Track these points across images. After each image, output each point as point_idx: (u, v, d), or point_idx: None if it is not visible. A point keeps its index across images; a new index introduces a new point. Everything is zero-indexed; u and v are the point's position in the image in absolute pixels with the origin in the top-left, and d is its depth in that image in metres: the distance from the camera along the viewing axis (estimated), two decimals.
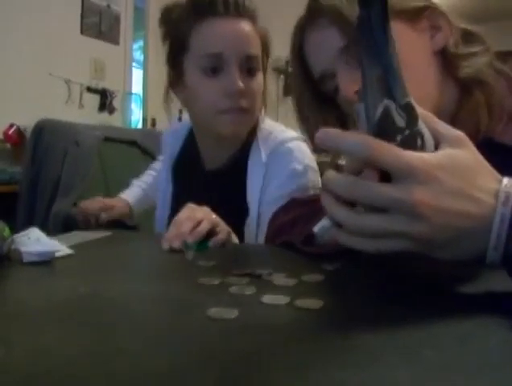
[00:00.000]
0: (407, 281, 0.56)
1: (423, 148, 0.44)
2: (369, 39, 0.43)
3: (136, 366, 0.31)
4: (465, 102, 0.68)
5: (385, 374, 0.30)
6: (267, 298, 0.46)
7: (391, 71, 0.43)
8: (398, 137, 0.43)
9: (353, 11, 0.64)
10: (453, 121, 0.68)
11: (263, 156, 1.05)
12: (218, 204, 1.03)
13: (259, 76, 1.00)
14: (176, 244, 0.73)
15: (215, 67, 0.96)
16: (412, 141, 0.44)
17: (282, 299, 0.46)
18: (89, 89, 3.51)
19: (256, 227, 1.02)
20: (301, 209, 0.81)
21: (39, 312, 0.43)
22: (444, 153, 0.44)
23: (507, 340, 0.35)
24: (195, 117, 1.08)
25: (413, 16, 0.68)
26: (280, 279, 0.54)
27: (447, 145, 0.45)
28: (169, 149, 1.20)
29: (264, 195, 1.04)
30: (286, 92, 3.89)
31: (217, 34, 0.96)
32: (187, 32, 0.98)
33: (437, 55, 0.69)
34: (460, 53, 0.68)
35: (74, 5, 3.45)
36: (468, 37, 0.70)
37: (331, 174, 0.45)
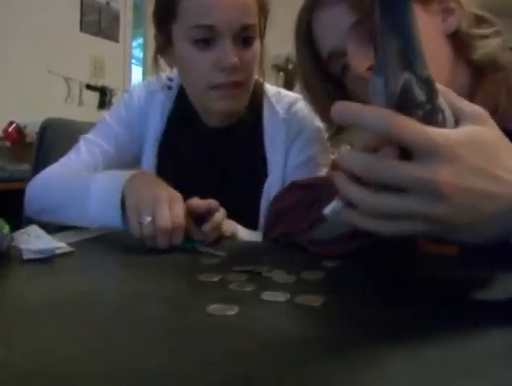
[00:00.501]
0: (407, 279, 0.56)
1: (444, 124, 0.42)
2: (390, 7, 0.40)
3: (136, 364, 0.31)
4: (480, 86, 0.67)
5: (384, 372, 0.30)
6: (267, 295, 0.46)
7: (411, 42, 0.40)
8: (420, 112, 0.40)
9: None
10: None
11: (280, 111, 1.01)
12: (226, 165, 0.96)
13: (256, 45, 0.92)
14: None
15: (207, 39, 0.87)
16: (434, 116, 0.41)
17: (281, 296, 0.46)
18: (89, 87, 3.50)
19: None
20: (300, 193, 0.80)
21: (39, 309, 0.43)
22: (467, 129, 0.42)
23: (508, 339, 0.35)
24: (186, 87, 1.00)
25: None
26: (280, 276, 0.54)
27: (468, 122, 0.43)
28: (161, 108, 1.05)
29: (289, 156, 0.99)
30: (287, 88, 3.89)
31: (209, 3, 0.86)
32: None
33: (449, 39, 0.68)
34: (474, 34, 0.67)
35: (73, 2, 3.44)
36: (480, 21, 0.69)
37: (349, 153, 0.42)
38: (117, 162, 1.03)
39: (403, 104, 0.41)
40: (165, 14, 0.91)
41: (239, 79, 0.89)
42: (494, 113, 0.65)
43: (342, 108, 0.41)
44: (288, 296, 0.45)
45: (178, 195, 0.76)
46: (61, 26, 3.32)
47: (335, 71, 0.73)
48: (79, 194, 0.85)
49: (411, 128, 0.39)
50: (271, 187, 0.97)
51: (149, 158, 1.04)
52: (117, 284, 0.53)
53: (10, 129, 2.87)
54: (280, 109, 1.02)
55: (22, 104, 2.98)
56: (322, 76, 0.75)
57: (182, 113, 1.04)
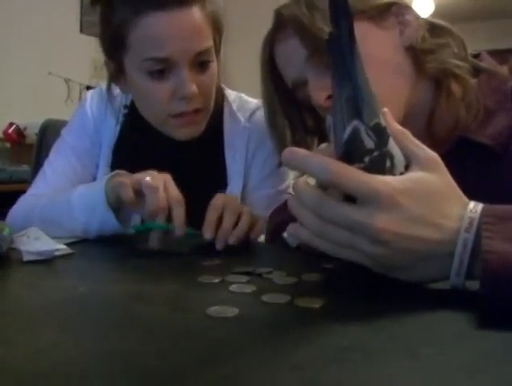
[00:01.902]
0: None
1: (392, 169, 0.44)
2: (339, 59, 0.43)
3: (136, 365, 0.31)
4: (441, 98, 0.67)
5: (385, 373, 0.30)
6: (267, 297, 0.46)
7: (360, 92, 0.43)
8: (366, 159, 0.43)
9: (313, 20, 0.64)
10: (431, 120, 0.68)
11: (242, 119, 0.99)
12: (184, 174, 0.88)
13: (213, 67, 0.88)
14: (220, 245, 0.70)
15: (162, 70, 0.83)
16: (380, 162, 0.43)
17: (282, 298, 0.46)
18: (89, 88, 3.49)
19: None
20: None
21: (39, 311, 0.43)
22: (411, 176, 0.44)
23: (507, 337, 0.35)
24: (143, 113, 0.94)
25: (379, 14, 0.68)
26: (280, 278, 0.54)
27: (417, 167, 0.45)
28: (115, 115, 1.02)
29: (252, 168, 0.97)
30: None
31: (162, 34, 0.81)
32: (125, 28, 0.83)
33: (409, 51, 0.69)
34: (426, 47, 0.68)
35: (73, 3, 3.45)
36: (435, 31, 0.70)
37: (302, 184, 0.45)
38: (85, 175, 0.99)
39: (351, 150, 0.43)
40: (114, 44, 0.87)
41: (199, 106, 0.87)
42: (455, 127, 0.65)
43: (290, 155, 0.44)
44: (288, 298, 0.45)
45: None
46: (61, 28, 3.33)
47: (303, 97, 0.73)
48: (61, 210, 0.82)
49: (352, 176, 0.42)
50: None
51: (103, 166, 1.00)
52: (117, 285, 0.53)
53: (10, 131, 2.88)
54: (241, 117, 0.99)
55: (22, 105, 2.99)
56: (290, 103, 0.75)
57: (136, 122, 0.98)
